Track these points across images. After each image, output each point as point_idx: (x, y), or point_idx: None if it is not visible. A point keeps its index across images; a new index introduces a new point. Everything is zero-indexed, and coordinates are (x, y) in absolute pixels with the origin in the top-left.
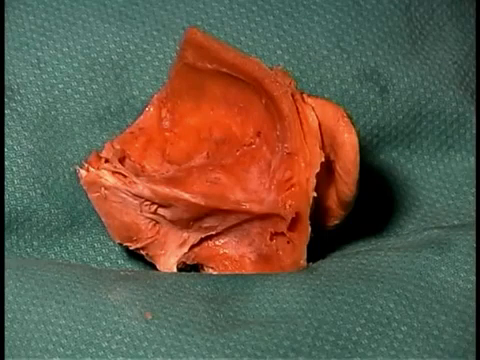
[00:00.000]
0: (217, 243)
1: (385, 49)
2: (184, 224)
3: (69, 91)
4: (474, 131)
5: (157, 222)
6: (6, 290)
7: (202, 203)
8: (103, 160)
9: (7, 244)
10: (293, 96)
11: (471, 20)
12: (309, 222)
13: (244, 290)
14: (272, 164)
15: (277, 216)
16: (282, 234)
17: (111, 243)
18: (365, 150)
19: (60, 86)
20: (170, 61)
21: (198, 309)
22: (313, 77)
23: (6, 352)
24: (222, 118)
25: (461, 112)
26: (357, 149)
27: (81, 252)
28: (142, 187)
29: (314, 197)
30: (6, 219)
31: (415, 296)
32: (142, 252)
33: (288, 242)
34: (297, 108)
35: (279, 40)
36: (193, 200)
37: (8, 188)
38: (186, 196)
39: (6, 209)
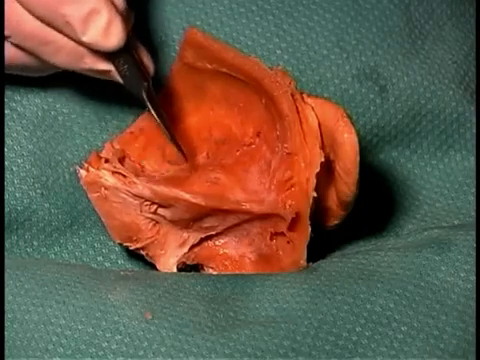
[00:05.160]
0: (217, 243)
1: (385, 48)
2: (184, 224)
3: (69, 91)
4: (474, 131)
5: (157, 222)
6: (6, 290)
7: (202, 203)
8: (103, 160)
9: (7, 244)
10: (293, 96)
11: (471, 20)
12: (309, 222)
13: (244, 290)
14: (272, 164)
15: (277, 216)
16: (282, 234)
17: (111, 243)
18: (365, 150)
19: (60, 86)
20: (170, 61)
21: (198, 309)
22: (313, 77)
23: (6, 352)
24: (222, 118)
25: (461, 112)
26: (357, 149)
27: (81, 252)
28: (142, 187)
29: (314, 197)
30: (6, 219)
31: (415, 296)
32: (142, 252)
33: (288, 242)
34: (297, 108)
35: (278, 40)
36: (193, 200)
37: (8, 188)
38: (186, 196)
39: (6, 209)
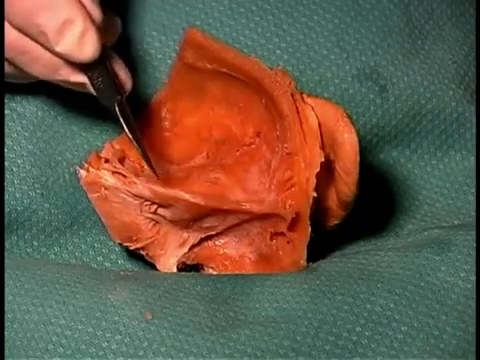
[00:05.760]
0: (217, 243)
1: (385, 48)
2: (184, 224)
3: (69, 91)
4: (474, 130)
5: (157, 222)
6: (6, 290)
7: (202, 203)
8: (103, 160)
9: (7, 244)
10: (293, 96)
11: (471, 20)
12: (309, 222)
13: (244, 290)
14: (272, 164)
15: (277, 216)
16: (282, 234)
17: (111, 243)
18: (365, 150)
19: (60, 86)
20: (170, 61)
21: (198, 309)
22: (313, 76)
23: (6, 352)
24: (222, 118)
25: (461, 111)
26: (357, 149)
27: (81, 252)
28: (142, 187)
29: (314, 197)
30: (6, 219)
31: (415, 296)
32: (142, 252)
33: (288, 242)
34: (297, 108)
35: (278, 40)
36: (193, 200)
37: (8, 188)
38: (186, 196)
39: (6, 209)
